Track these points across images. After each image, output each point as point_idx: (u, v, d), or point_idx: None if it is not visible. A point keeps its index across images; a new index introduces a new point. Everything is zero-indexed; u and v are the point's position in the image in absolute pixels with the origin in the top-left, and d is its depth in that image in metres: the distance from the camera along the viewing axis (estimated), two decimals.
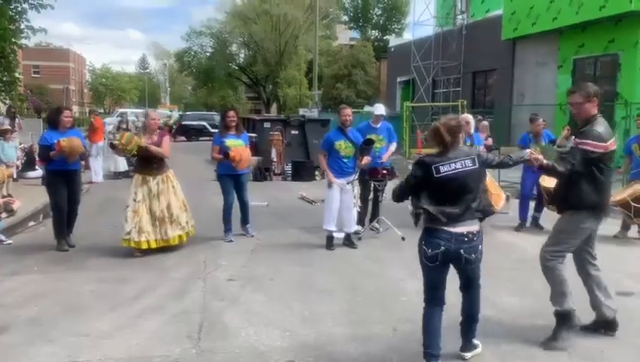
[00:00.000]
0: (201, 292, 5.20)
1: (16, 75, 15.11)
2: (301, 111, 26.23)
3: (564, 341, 3.96)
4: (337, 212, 6.84)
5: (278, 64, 43.63)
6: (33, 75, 59.60)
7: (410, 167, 3.94)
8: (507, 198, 8.59)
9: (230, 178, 7.30)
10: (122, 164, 14.28)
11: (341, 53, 40.71)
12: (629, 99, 15.04)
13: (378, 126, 7.76)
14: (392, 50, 31.01)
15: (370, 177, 7.48)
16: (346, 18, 50.93)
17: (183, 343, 4.04)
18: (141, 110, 32.05)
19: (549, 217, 7.67)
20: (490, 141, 8.92)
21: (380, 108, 8.02)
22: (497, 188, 8.16)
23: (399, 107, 25.24)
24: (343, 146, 6.86)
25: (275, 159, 14.65)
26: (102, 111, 53.82)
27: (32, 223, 8.39)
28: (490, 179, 7.44)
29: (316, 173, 13.77)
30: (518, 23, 19.23)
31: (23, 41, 14.48)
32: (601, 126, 3.99)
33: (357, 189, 7.18)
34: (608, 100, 16.28)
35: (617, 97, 15.92)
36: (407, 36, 38.60)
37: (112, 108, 62.61)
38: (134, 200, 6.42)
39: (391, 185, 8.28)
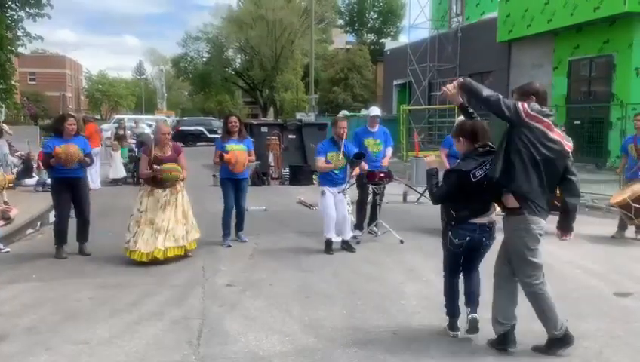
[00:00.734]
0: (200, 298, 5.19)
1: (13, 82, 15.11)
2: (298, 116, 26.27)
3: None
4: (335, 219, 6.81)
5: (274, 69, 43.74)
6: (29, 83, 59.55)
7: (440, 175, 4.17)
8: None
9: (231, 183, 7.33)
10: (120, 171, 14.29)
11: (337, 57, 40.83)
12: (624, 100, 15.10)
13: (375, 130, 7.80)
14: (388, 53, 31.12)
15: (368, 181, 7.50)
16: (341, 22, 51.09)
17: (182, 349, 4.04)
18: (139, 116, 32.11)
19: (550, 218, 7.71)
20: None
21: (374, 110, 8.06)
22: None
23: (396, 110, 25.31)
24: (335, 158, 6.85)
25: (272, 163, 14.66)
26: (98, 117, 53.70)
27: (29, 231, 8.36)
28: None
29: (314, 177, 13.78)
30: (513, 25, 19.32)
31: (20, 49, 14.50)
32: None
33: (349, 197, 7.16)
34: (604, 101, 16.37)
35: (613, 98, 15.99)
36: (403, 39, 38.84)
37: (108, 115, 62.55)
38: (138, 211, 6.38)
39: (389, 189, 8.35)
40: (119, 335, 4.28)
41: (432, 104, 24.20)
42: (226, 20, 45.97)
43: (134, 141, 16.03)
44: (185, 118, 37.98)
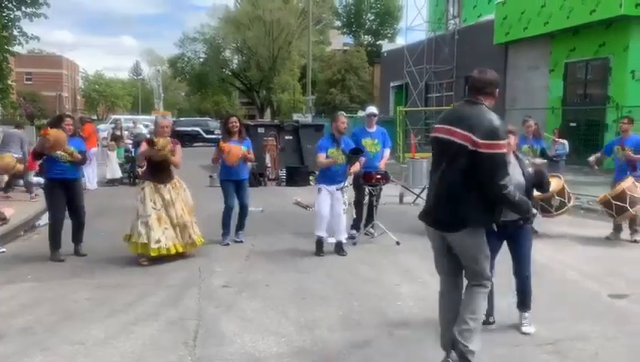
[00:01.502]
0: (196, 299, 5.19)
1: (9, 82, 15.09)
2: (295, 117, 26.28)
3: None
4: (328, 218, 6.81)
5: (271, 69, 43.72)
6: (26, 82, 59.34)
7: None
8: None
9: (231, 183, 7.38)
10: (117, 171, 14.26)
11: (334, 59, 40.83)
12: (620, 103, 15.17)
13: (373, 130, 7.78)
14: (385, 55, 31.16)
15: (365, 182, 7.50)
16: (339, 23, 51.08)
17: (178, 350, 4.04)
18: (136, 116, 32.04)
19: (546, 220, 7.75)
20: None
21: (371, 108, 8.06)
22: None
23: (392, 112, 25.34)
24: (335, 154, 6.84)
25: (269, 164, 14.67)
26: (95, 117, 53.60)
27: (25, 231, 8.34)
28: None
29: (310, 178, 13.79)
30: (510, 27, 19.38)
31: (16, 48, 14.48)
32: None
33: (347, 196, 7.16)
34: (599, 103, 16.44)
35: (608, 101, 16.06)
36: (400, 41, 38.85)
37: (105, 115, 62.41)
38: (154, 208, 6.34)
39: (386, 190, 8.35)
40: (115, 336, 4.28)
41: (429, 105, 24.24)
42: (223, 21, 45.89)
43: (131, 141, 16.02)
44: (181, 119, 37.90)
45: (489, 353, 3.91)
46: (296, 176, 14.15)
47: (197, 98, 57.33)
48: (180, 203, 6.55)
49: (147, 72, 74.71)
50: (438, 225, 3.51)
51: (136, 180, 13.56)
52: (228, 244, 7.32)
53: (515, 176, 4.09)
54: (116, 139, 15.37)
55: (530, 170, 4.29)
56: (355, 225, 7.77)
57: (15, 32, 13.92)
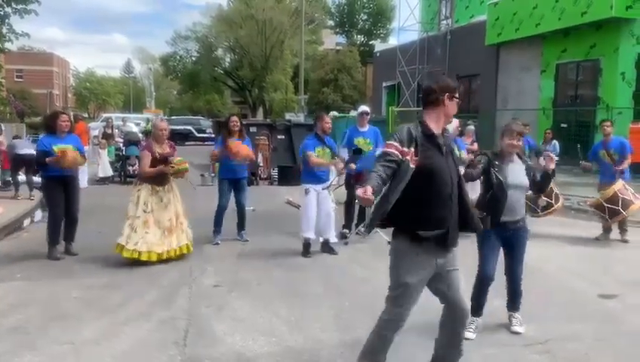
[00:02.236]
0: (187, 299, 5.17)
1: None
2: (287, 116, 26.22)
3: None
4: (315, 219, 6.78)
5: (264, 68, 43.61)
6: (16, 80, 58.81)
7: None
8: None
9: (229, 182, 7.40)
10: (108, 170, 14.19)
11: (327, 58, 40.85)
12: (610, 104, 15.28)
13: (365, 129, 7.78)
14: (378, 55, 31.16)
15: (356, 181, 7.49)
16: (331, 23, 51.12)
17: (168, 350, 4.02)
18: (127, 115, 31.84)
19: (537, 221, 7.78)
20: (475, 146, 8.98)
21: (363, 107, 8.08)
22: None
23: (385, 111, 25.35)
24: (322, 153, 6.82)
25: (261, 164, 14.64)
26: (86, 115, 53.26)
27: (14, 230, 8.27)
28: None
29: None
30: (502, 28, 19.45)
31: (6, 45, 14.37)
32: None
33: (333, 195, 7.14)
34: (590, 104, 16.54)
35: (599, 102, 16.16)
36: (393, 41, 38.92)
37: (96, 113, 62.05)
38: (144, 211, 6.28)
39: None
40: (106, 336, 4.25)
41: (421, 105, 24.27)
42: (216, 19, 45.71)
43: (122, 140, 15.94)
44: (173, 117, 37.72)
45: (479, 353, 3.93)
46: (288, 176, 14.12)
47: (189, 97, 57.07)
48: (173, 206, 6.50)
49: (139, 70, 74.51)
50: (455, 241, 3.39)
51: (128, 179, 13.49)
52: (218, 244, 7.30)
53: (519, 177, 4.22)
54: (107, 137, 15.29)
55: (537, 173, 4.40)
56: (347, 224, 7.77)
57: (4, 30, 13.81)
